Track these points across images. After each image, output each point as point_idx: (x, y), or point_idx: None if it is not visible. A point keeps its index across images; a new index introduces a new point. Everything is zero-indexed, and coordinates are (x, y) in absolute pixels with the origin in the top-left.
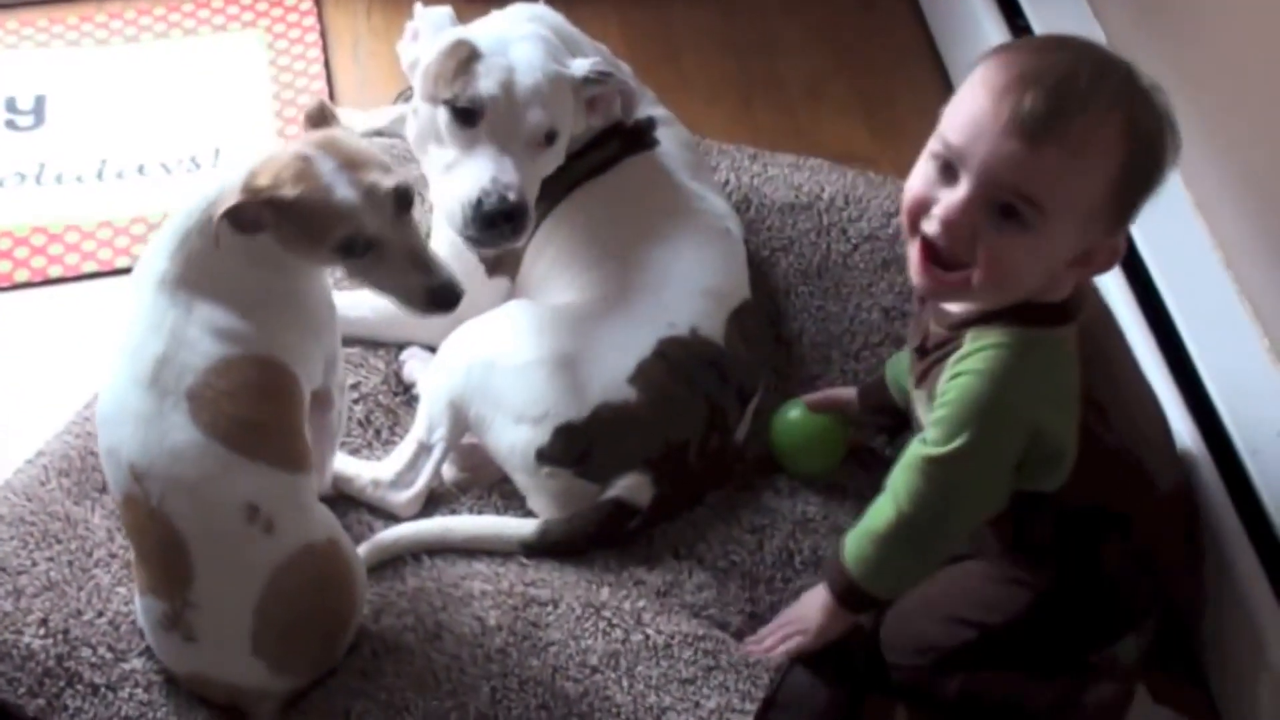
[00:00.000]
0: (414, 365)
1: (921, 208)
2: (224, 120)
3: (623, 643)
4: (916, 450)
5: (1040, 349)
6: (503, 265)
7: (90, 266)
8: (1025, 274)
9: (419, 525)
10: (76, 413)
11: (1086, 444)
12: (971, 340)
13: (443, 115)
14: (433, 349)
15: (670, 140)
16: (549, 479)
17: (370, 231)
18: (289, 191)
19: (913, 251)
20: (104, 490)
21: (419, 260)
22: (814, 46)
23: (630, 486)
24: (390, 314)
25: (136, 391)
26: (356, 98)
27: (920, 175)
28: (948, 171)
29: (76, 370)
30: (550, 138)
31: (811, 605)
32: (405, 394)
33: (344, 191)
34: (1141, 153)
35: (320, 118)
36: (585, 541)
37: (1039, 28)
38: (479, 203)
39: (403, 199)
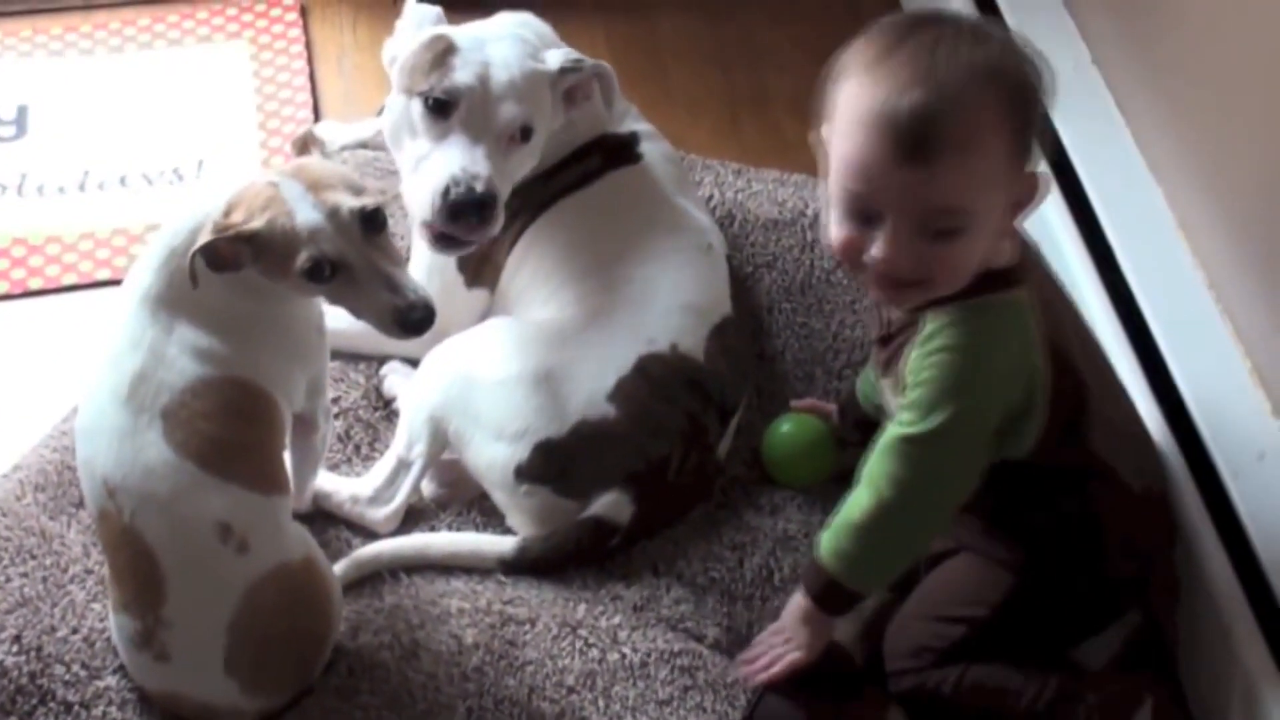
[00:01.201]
0: (394, 380)
1: (856, 250)
2: (208, 132)
3: (599, 662)
4: (892, 433)
5: (999, 313)
6: (482, 277)
7: (71, 279)
8: (976, 259)
9: (398, 542)
10: (54, 426)
11: (1059, 398)
12: (931, 320)
13: (416, 107)
14: (413, 363)
15: (654, 155)
16: (527, 497)
17: (334, 254)
18: (256, 222)
19: (864, 279)
20: (80, 505)
21: (390, 281)
22: (801, 60)
23: (609, 504)
24: (369, 328)
25: (114, 406)
26: (341, 110)
27: (841, 225)
28: (866, 215)
29: (55, 384)
30: (525, 133)
31: (792, 617)
32: (385, 409)
33: (306, 214)
34: (1021, 105)
35: (304, 147)
36: (564, 560)
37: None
38: (446, 191)
39: (370, 220)
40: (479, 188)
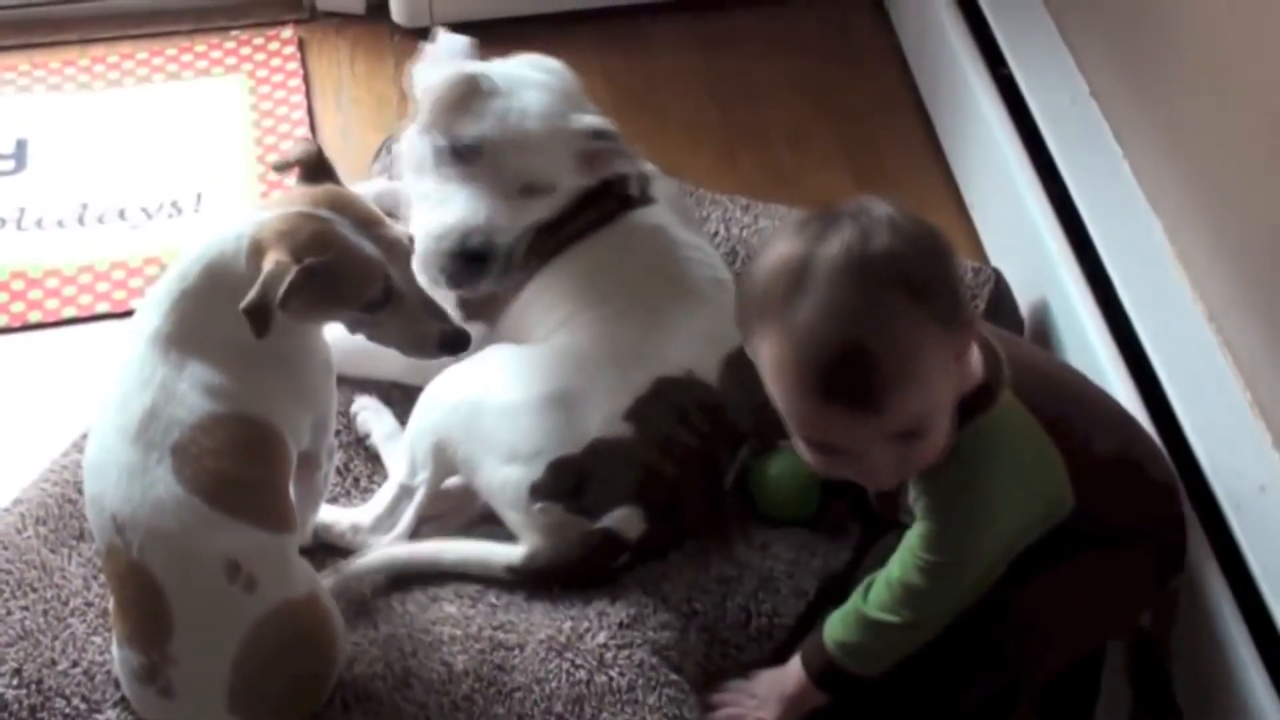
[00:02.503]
0: (367, 416)
1: (831, 469)
2: (206, 165)
3: (586, 685)
4: (915, 548)
5: (992, 433)
6: (480, 311)
7: (70, 312)
8: (946, 432)
9: (412, 547)
10: (55, 460)
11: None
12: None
13: (435, 146)
14: (383, 395)
15: (665, 194)
16: (541, 514)
17: (396, 284)
18: (322, 256)
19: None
20: (81, 538)
21: (433, 307)
22: (796, 93)
23: (621, 518)
24: (355, 349)
25: (123, 443)
26: (339, 144)
27: (814, 459)
28: (829, 449)
29: (56, 417)
30: (541, 187)
31: (770, 687)
32: (359, 444)
33: (370, 248)
34: (937, 288)
35: (319, 169)
36: (571, 570)
37: (1021, 75)
38: (443, 238)
39: (411, 249)
40: (476, 240)
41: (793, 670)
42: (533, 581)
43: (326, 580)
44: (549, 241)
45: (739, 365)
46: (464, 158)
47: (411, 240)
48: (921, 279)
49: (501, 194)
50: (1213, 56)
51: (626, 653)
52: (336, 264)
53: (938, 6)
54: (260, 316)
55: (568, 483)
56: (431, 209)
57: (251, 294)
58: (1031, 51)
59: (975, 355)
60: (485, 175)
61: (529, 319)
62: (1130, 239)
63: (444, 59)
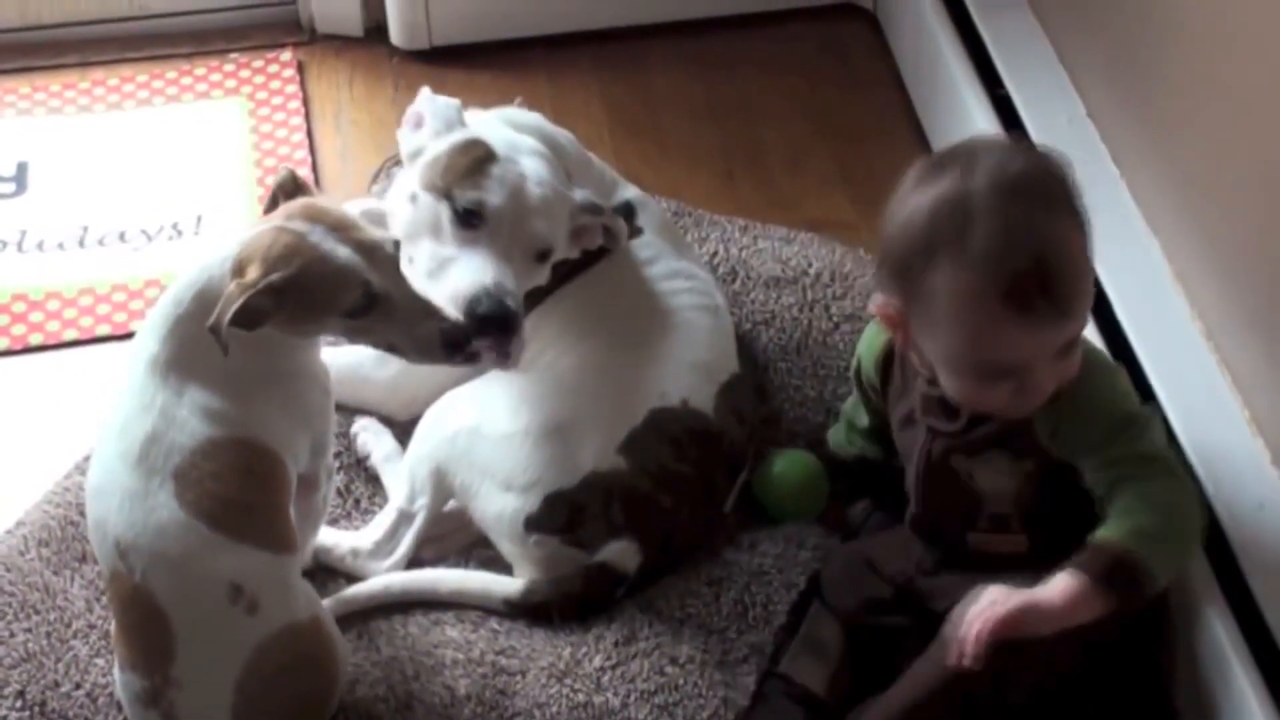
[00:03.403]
0: (367, 438)
1: (986, 398)
2: (206, 188)
3: (585, 707)
4: (1125, 460)
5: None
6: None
7: (71, 334)
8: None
9: (409, 575)
10: (57, 482)
11: None
12: None
13: (446, 211)
14: (382, 416)
15: (652, 224)
16: (537, 547)
17: (379, 287)
18: (286, 271)
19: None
20: (84, 560)
21: (427, 307)
22: (794, 115)
23: (618, 552)
24: (346, 373)
25: (124, 468)
26: (338, 166)
27: (964, 380)
28: (1000, 372)
29: (58, 439)
30: (545, 254)
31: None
32: (359, 465)
33: (344, 254)
34: (1077, 198)
35: (293, 187)
36: (570, 604)
37: (1018, 96)
38: (477, 301)
39: (398, 252)
40: (510, 303)
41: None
42: (530, 615)
43: (325, 604)
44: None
45: (735, 392)
46: (476, 223)
47: (396, 245)
48: (1061, 190)
49: (519, 258)
50: (1209, 76)
51: (620, 671)
52: (307, 274)
53: (934, 28)
54: (216, 335)
55: (562, 515)
56: (455, 274)
57: (214, 313)
58: (1028, 72)
59: None
60: (500, 240)
61: (525, 355)
62: (1128, 258)
63: (437, 124)
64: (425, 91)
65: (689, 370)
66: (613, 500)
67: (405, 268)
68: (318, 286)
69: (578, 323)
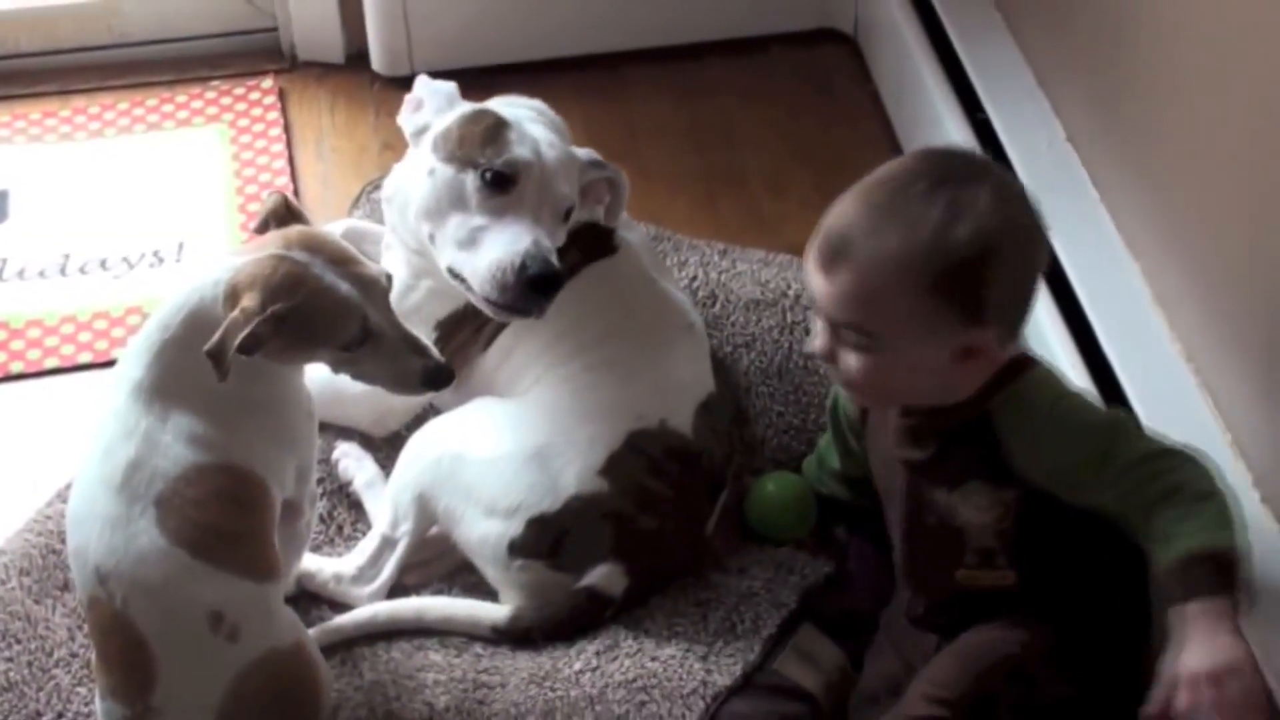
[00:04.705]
0: (348, 464)
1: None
2: (187, 215)
3: (561, 699)
4: (1132, 467)
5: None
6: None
7: (53, 363)
8: (903, 381)
9: (395, 604)
10: (38, 510)
11: None
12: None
13: (472, 180)
14: (364, 440)
15: (630, 242)
16: (521, 571)
17: (374, 322)
18: (291, 300)
19: None
20: (65, 588)
21: (415, 344)
22: (775, 140)
23: (603, 576)
24: (321, 389)
25: (106, 494)
26: (319, 193)
27: (814, 334)
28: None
29: (38, 468)
30: (569, 213)
31: (1195, 651)
32: (341, 491)
33: (345, 288)
34: (954, 284)
35: (286, 214)
36: (557, 629)
37: (998, 122)
38: (523, 266)
39: (390, 286)
40: (555, 261)
41: (1197, 615)
42: (518, 641)
43: (311, 634)
44: None
45: (712, 411)
46: (504, 187)
47: (389, 278)
48: (951, 280)
49: (548, 219)
50: (1189, 99)
51: (601, 670)
52: (309, 306)
53: (915, 52)
54: (218, 361)
55: (546, 539)
56: (491, 242)
57: (214, 339)
58: (1008, 96)
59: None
60: (531, 201)
61: (505, 373)
62: (1108, 281)
63: (439, 101)
64: (423, 77)
65: (666, 391)
66: (595, 523)
67: (428, 244)
68: (319, 318)
69: (555, 345)
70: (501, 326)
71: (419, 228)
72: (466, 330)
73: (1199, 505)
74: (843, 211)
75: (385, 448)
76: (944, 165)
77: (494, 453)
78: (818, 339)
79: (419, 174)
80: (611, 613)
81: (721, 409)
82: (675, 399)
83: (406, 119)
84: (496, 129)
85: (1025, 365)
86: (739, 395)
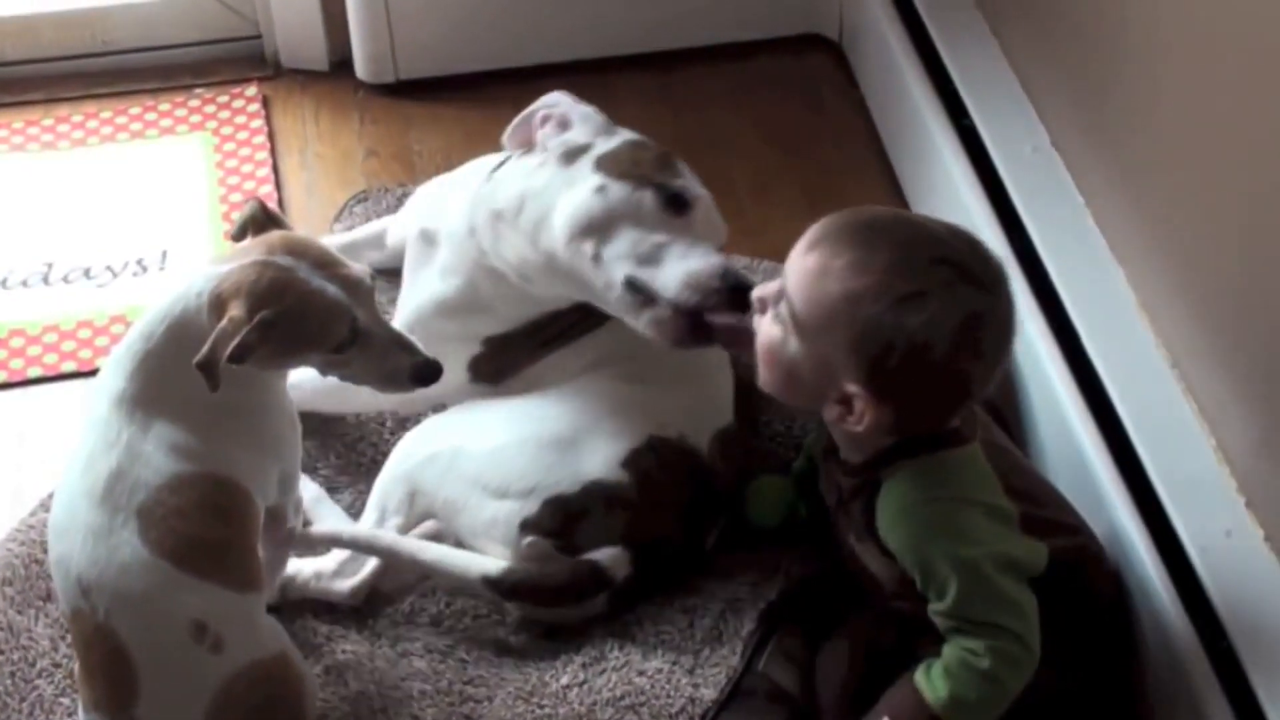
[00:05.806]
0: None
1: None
2: (171, 223)
3: (549, 718)
4: (940, 615)
5: (958, 463)
6: (482, 374)
7: (36, 372)
8: (784, 371)
9: (399, 536)
10: (21, 520)
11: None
12: (887, 486)
13: (651, 197)
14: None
15: None
16: (529, 548)
17: (362, 322)
18: (280, 306)
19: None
20: (48, 599)
21: (403, 341)
22: (761, 145)
23: (610, 556)
24: (327, 386)
25: (87, 505)
26: (303, 200)
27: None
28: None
29: (22, 477)
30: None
31: None
32: None
33: (333, 290)
34: (870, 347)
35: (265, 220)
36: (547, 592)
37: (984, 129)
38: (722, 275)
39: (373, 286)
40: (748, 277)
41: None
42: (506, 595)
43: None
44: (575, 318)
45: (725, 442)
46: (681, 210)
47: (373, 278)
48: (869, 344)
49: (714, 245)
50: (1173, 105)
51: (588, 685)
52: (297, 310)
53: (900, 59)
54: (210, 373)
55: (559, 520)
56: (677, 255)
57: (204, 350)
58: (993, 102)
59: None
60: (699, 232)
61: (544, 385)
62: (1093, 288)
63: (592, 125)
64: (565, 97)
65: (688, 410)
66: (613, 509)
67: (585, 263)
68: (308, 322)
69: (603, 363)
70: (548, 350)
71: (563, 245)
72: (515, 350)
73: (970, 684)
74: (872, 213)
75: (346, 454)
76: (967, 257)
77: (506, 439)
78: (768, 287)
79: (581, 190)
80: (603, 601)
81: (736, 441)
82: (696, 420)
83: (552, 137)
84: (668, 157)
85: (936, 446)
86: (751, 436)
